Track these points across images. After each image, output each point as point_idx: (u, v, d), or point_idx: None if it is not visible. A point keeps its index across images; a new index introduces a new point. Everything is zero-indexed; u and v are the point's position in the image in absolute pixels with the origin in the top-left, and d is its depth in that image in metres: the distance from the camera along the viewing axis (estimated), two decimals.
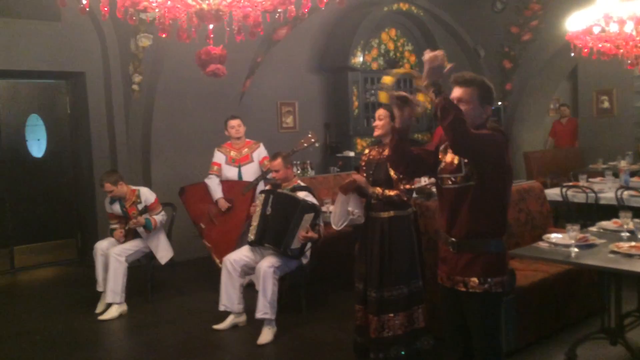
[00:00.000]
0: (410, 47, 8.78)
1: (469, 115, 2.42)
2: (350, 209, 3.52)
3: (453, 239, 2.55)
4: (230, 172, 5.45)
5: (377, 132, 3.54)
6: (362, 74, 8.06)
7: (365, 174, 3.60)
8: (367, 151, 3.71)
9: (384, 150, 3.51)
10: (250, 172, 5.40)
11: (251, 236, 4.36)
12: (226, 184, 5.42)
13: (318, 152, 7.99)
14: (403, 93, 2.53)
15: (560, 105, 10.16)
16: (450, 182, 2.55)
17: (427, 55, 2.41)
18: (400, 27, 8.62)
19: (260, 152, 5.52)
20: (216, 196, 5.37)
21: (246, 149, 5.49)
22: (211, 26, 3.21)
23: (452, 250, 2.56)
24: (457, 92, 2.51)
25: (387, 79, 2.62)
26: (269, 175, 4.83)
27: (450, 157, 2.58)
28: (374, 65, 8.34)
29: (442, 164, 2.60)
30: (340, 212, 3.59)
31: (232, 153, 5.49)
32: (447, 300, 2.64)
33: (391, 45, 8.58)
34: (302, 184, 4.51)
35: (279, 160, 4.35)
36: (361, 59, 7.94)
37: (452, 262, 2.57)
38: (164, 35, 3.17)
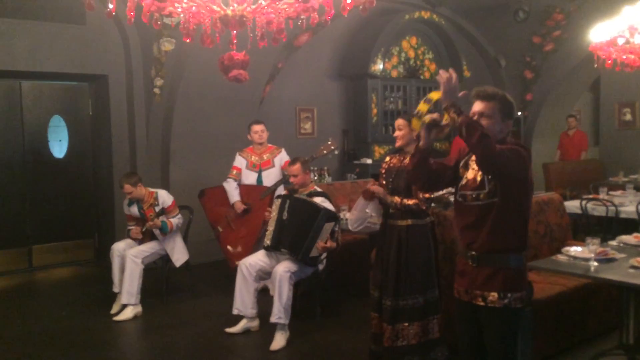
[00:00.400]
0: (431, 55, 8.77)
1: (490, 129, 2.41)
2: (368, 210, 3.54)
3: (473, 253, 2.51)
4: (250, 177, 5.46)
5: (398, 143, 3.56)
6: (381, 82, 8.06)
7: (385, 182, 3.60)
8: (387, 159, 3.72)
9: (404, 158, 3.52)
10: (271, 177, 5.41)
11: (267, 241, 4.36)
12: (244, 188, 5.45)
13: (335, 159, 8.00)
14: (435, 116, 2.52)
15: (568, 116, 9.77)
16: (473, 199, 2.52)
17: (442, 76, 2.41)
18: (421, 35, 8.62)
19: (282, 157, 5.54)
20: (233, 199, 5.40)
21: (267, 154, 5.51)
22: (235, 32, 3.25)
23: (471, 264, 2.52)
24: (478, 107, 2.49)
25: (423, 107, 2.56)
26: (289, 181, 4.84)
27: (472, 174, 2.55)
28: (394, 73, 8.34)
29: (464, 181, 2.58)
30: (358, 216, 3.60)
31: (254, 158, 5.51)
32: (464, 315, 2.60)
33: (411, 53, 8.57)
34: (319, 189, 4.51)
35: (297, 165, 4.36)
36: (381, 66, 7.94)
37: (471, 276, 2.53)
38: (188, 40, 3.21)
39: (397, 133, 3.54)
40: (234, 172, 5.50)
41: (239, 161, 5.53)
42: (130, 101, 6.71)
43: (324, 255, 4.37)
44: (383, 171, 3.68)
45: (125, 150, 6.79)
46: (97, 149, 7.07)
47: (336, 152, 6.33)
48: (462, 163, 2.64)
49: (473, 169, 2.55)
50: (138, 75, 6.63)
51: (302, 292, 4.84)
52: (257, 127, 5.49)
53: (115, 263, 5.06)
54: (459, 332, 2.68)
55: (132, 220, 5.23)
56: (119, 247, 5.12)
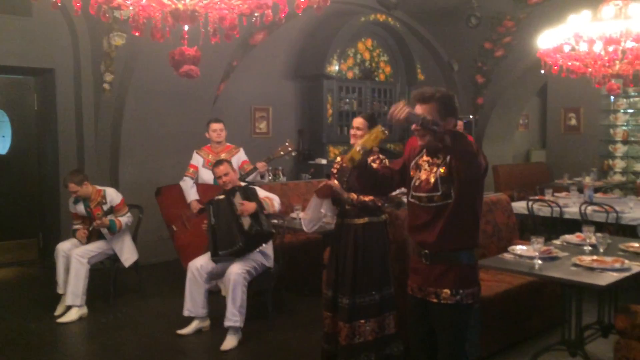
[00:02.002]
0: (386, 57, 8.87)
1: None
2: (322, 210, 3.53)
3: (426, 251, 2.57)
4: (207, 175, 5.37)
5: (353, 142, 3.56)
6: (337, 83, 8.10)
7: (338, 181, 3.61)
8: (339, 159, 3.71)
9: None
10: None
11: (210, 252, 4.31)
12: (202, 187, 5.35)
13: (290, 159, 7.98)
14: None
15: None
16: (427, 201, 2.57)
17: (391, 117, 2.38)
18: (376, 38, 8.70)
19: (240, 156, 5.47)
20: (189, 198, 5.31)
21: (225, 153, 5.41)
22: (186, 27, 3.19)
23: (424, 262, 2.58)
24: (419, 110, 2.53)
25: (357, 155, 2.51)
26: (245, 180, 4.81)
27: (425, 175, 2.59)
28: (350, 75, 8.39)
29: (417, 182, 2.61)
30: (313, 216, 3.59)
31: (211, 156, 5.41)
32: (417, 311, 2.66)
33: (367, 55, 8.64)
34: (242, 184, 4.50)
35: (224, 165, 4.34)
36: (337, 67, 7.98)
37: (425, 274, 2.59)
38: (137, 34, 3.13)
39: (355, 132, 3.54)
40: (191, 170, 5.40)
41: (196, 159, 5.44)
42: (78, 96, 6.50)
43: (270, 249, 4.33)
44: (335, 171, 3.67)
45: (73, 147, 6.57)
46: (42, 145, 6.81)
47: (293, 153, 6.29)
48: (412, 164, 2.67)
49: (425, 169, 2.60)
50: (87, 70, 6.43)
51: (255, 292, 4.80)
52: (216, 126, 5.41)
53: (59, 263, 4.89)
54: (411, 328, 2.74)
55: (78, 219, 5.07)
56: (64, 247, 4.95)
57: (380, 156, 3.48)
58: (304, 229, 3.76)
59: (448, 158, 2.51)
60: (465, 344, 2.61)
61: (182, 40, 3.27)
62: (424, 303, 2.61)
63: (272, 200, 4.29)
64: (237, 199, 4.18)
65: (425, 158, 2.63)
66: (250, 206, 4.15)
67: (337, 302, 3.54)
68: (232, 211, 4.17)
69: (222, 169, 4.32)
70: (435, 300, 2.54)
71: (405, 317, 2.87)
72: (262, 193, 4.34)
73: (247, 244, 4.16)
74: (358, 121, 3.57)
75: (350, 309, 3.46)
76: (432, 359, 2.65)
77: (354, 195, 3.47)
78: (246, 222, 4.13)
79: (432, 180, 2.55)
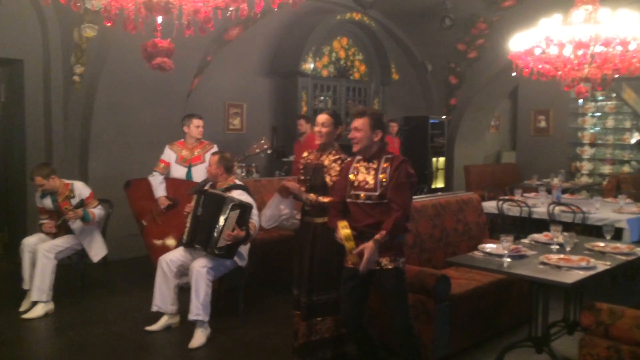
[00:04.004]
0: (361, 56, 8.91)
1: (362, 138, 3.15)
2: (282, 207, 3.51)
3: (368, 234, 3.08)
4: (179, 172, 5.30)
5: (319, 141, 3.50)
6: (312, 80, 8.10)
7: (303, 178, 3.59)
8: (305, 155, 3.68)
9: (321, 155, 3.51)
10: (200, 173, 5.22)
11: (184, 237, 4.27)
12: (172, 182, 5.27)
13: (264, 156, 7.95)
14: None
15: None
16: (366, 198, 3.15)
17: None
18: (352, 37, 8.73)
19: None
20: (158, 194, 5.22)
21: (199, 150, 5.33)
22: (160, 19, 3.14)
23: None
24: (354, 123, 3.19)
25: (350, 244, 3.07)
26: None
27: (362, 177, 3.19)
28: (324, 73, 8.41)
29: (356, 182, 3.19)
30: (271, 213, 3.56)
31: (184, 152, 5.34)
32: (354, 280, 3.19)
33: (342, 54, 8.67)
34: (239, 182, 4.44)
35: (216, 158, 4.28)
36: (312, 65, 7.98)
37: None
38: (109, 24, 3.07)
39: (319, 129, 3.47)
40: (161, 165, 5.31)
41: (168, 155, 5.34)
42: (47, 88, 6.34)
43: (245, 248, 4.30)
44: (301, 167, 3.64)
45: (40, 140, 6.41)
46: (8, 137, 6.63)
47: (269, 151, 6.27)
48: (350, 172, 3.24)
49: (363, 172, 3.20)
50: (57, 62, 6.28)
51: (226, 289, 4.77)
52: (199, 122, 5.32)
53: (25, 258, 4.77)
54: (345, 297, 3.26)
55: (45, 213, 4.95)
56: (30, 241, 4.83)
57: (342, 156, 3.46)
58: (263, 225, 3.70)
59: (384, 165, 3.14)
60: (407, 304, 3.24)
61: (155, 33, 3.23)
62: (365, 273, 3.12)
63: (255, 229, 4.23)
64: (233, 217, 4.04)
65: (362, 163, 3.24)
66: (240, 236, 4.06)
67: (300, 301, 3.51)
68: (219, 214, 4.04)
69: (212, 159, 4.26)
70: (377, 268, 3.12)
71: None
72: (253, 216, 4.22)
73: (212, 252, 4.09)
74: (324, 117, 3.48)
75: (308, 307, 3.44)
76: (358, 326, 3.26)
77: (313, 196, 3.43)
78: (223, 240, 4.05)
79: (372, 182, 3.14)
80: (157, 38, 3.24)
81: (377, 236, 3.02)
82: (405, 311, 3.22)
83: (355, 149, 3.20)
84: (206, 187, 4.36)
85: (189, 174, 5.28)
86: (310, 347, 3.45)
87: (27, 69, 6.25)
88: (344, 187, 3.26)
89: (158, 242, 5.22)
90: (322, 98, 8.38)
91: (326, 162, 3.46)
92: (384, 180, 3.11)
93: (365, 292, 3.29)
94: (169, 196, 5.21)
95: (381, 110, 3.17)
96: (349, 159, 3.36)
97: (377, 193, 3.11)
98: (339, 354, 3.50)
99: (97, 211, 4.93)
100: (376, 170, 3.16)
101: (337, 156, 3.46)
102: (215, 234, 4.03)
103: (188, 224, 4.27)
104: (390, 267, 3.12)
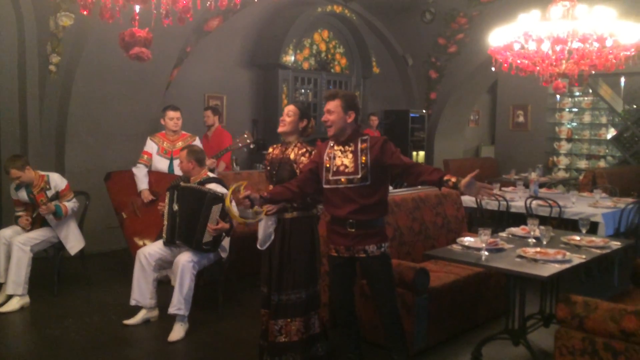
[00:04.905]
0: (342, 49, 8.89)
1: (335, 120, 3.15)
2: (269, 222, 3.42)
3: (351, 221, 3.14)
4: (161, 164, 5.23)
5: (281, 129, 3.45)
6: (292, 73, 8.06)
7: (269, 173, 3.53)
8: (270, 150, 3.62)
9: (286, 149, 3.46)
10: None
11: (164, 235, 4.23)
12: (155, 175, 5.20)
13: (246, 150, 7.90)
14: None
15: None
16: (347, 182, 3.13)
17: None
18: (333, 29, 8.70)
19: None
20: (141, 187, 5.15)
21: (181, 142, 5.26)
22: (137, 7, 3.09)
23: (350, 229, 3.16)
24: (327, 106, 3.20)
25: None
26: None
27: (340, 161, 3.17)
28: (305, 65, 8.37)
29: (334, 167, 3.17)
30: (265, 235, 3.46)
31: (166, 144, 5.27)
32: (342, 268, 3.25)
33: (323, 47, 8.64)
34: (212, 175, 4.40)
35: (185, 151, 4.23)
36: (292, 57, 7.94)
37: (351, 236, 3.17)
38: (85, 13, 3.02)
39: (283, 117, 3.44)
40: (145, 157, 5.23)
41: (150, 146, 5.27)
42: (22, 78, 6.20)
43: (223, 237, 4.27)
44: (267, 162, 3.57)
45: (15, 131, 6.28)
46: None
47: (252, 146, 6.17)
48: (324, 157, 3.21)
49: (340, 156, 3.17)
50: (32, 51, 6.13)
51: (205, 282, 4.74)
52: (173, 114, 5.25)
53: (0, 251, 4.68)
54: (334, 286, 3.33)
55: (21, 206, 4.87)
56: (5, 234, 4.74)
57: (309, 148, 3.42)
58: (259, 247, 3.55)
59: (362, 146, 3.13)
60: (394, 286, 3.28)
61: (133, 22, 3.18)
62: (351, 261, 3.22)
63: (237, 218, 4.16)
64: (216, 210, 4.01)
65: (336, 147, 3.21)
66: (224, 228, 4.05)
67: (270, 299, 3.45)
68: (204, 213, 4.02)
69: (182, 154, 4.21)
70: (364, 255, 3.16)
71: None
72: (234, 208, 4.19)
73: (197, 247, 4.08)
74: (290, 107, 3.45)
75: (276, 306, 3.39)
76: (350, 313, 3.33)
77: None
78: (208, 234, 4.04)
79: (351, 165, 3.13)
80: (135, 27, 3.20)
81: (452, 178, 2.97)
82: (393, 296, 3.26)
83: (330, 132, 3.19)
84: (181, 183, 4.30)
85: (170, 166, 5.23)
86: (278, 348, 3.40)
87: (1, 58, 6.11)
88: (307, 170, 3.25)
89: (138, 236, 5.16)
90: (302, 91, 8.35)
91: (292, 156, 3.40)
92: (364, 161, 3.11)
93: (354, 279, 3.34)
94: (151, 189, 5.15)
95: (354, 93, 3.08)
96: (323, 143, 3.34)
97: (359, 176, 3.10)
98: (308, 357, 3.45)
99: (70, 205, 4.85)
100: (354, 152, 3.15)
101: (304, 149, 3.41)
102: (198, 230, 4.00)
103: (165, 222, 4.23)
104: (377, 254, 3.16)
